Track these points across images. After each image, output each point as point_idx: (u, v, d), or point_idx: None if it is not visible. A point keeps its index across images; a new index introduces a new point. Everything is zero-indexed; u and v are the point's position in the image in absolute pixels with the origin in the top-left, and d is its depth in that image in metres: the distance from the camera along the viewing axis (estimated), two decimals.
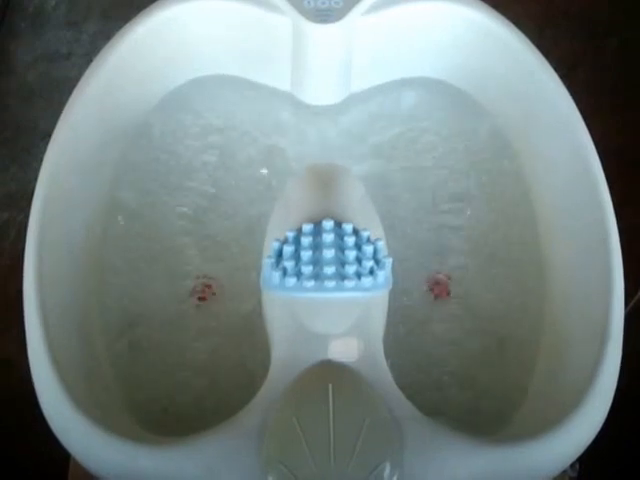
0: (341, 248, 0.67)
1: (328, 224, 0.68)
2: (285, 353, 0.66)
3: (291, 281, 0.65)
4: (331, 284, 0.65)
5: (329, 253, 0.66)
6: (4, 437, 1.07)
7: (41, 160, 0.76)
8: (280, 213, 0.76)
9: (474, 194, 0.91)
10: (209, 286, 0.85)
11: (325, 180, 0.75)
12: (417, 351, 0.81)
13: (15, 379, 0.88)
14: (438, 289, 0.85)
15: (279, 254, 0.67)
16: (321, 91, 0.94)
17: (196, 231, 0.88)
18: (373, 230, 0.70)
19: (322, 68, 0.92)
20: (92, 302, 0.79)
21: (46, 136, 0.78)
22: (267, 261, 0.66)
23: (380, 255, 0.67)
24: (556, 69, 0.85)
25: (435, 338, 0.82)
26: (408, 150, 0.94)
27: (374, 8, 0.87)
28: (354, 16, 0.86)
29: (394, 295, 0.76)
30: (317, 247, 0.67)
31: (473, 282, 0.85)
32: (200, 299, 0.84)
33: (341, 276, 0.65)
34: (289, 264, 0.65)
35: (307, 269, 0.65)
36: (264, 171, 0.93)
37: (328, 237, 0.67)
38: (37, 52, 1.46)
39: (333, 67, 0.92)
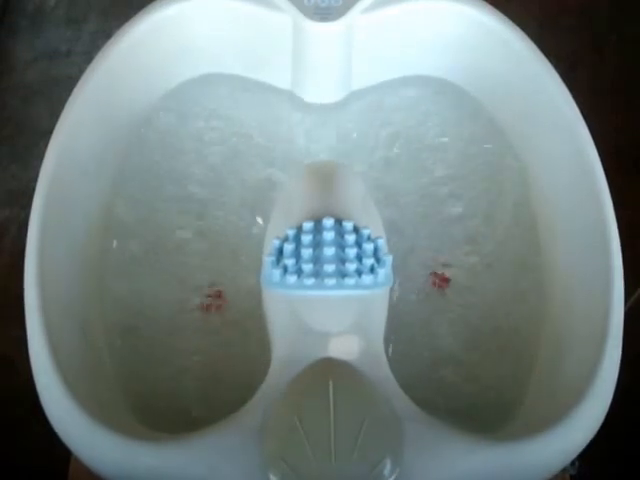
0: (341, 246, 0.67)
1: (328, 222, 0.68)
2: (286, 351, 0.66)
3: (291, 279, 0.65)
4: (331, 282, 0.65)
5: (329, 251, 0.66)
6: (5, 435, 1.07)
7: (41, 158, 0.76)
8: (280, 211, 0.76)
9: (474, 192, 0.91)
10: (209, 284, 0.85)
11: (325, 178, 0.75)
12: (417, 348, 0.81)
13: (16, 377, 0.88)
14: (438, 287, 0.85)
15: (279, 252, 0.67)
16: (321, 89, 0.94)
17: (196, 229, 0.88)
18: (373, 228, 0.70)
19: (322, 66, 0.92)
20: (93, 300, 0.80)
21: (46, 134, 0.78)
22: (267, 259, 0.66)
23: (380, 253, 0.67)
24: (556, 68, 0.85)
25: (435, 336, 0.82)
26: (408, 148, 0.94)
27: (374, 6, 0.88)
28: (354, 14, 0.86)
29: (394, 293, 0.76)
30: (317, 245, 0.67)
31: (473, 280, 0.85)
32: (200, 297, 0.84)
33: (341, 274, 0.65)
34: (289, 262, 0.65)
35: (307, 267, 0.65)
36: (264, 169, 0.92)
37: (328, 235, 0.67)
38: (37, 50, 1.46)
39: (333, 65, 0.92)
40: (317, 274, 0.65)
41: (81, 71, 0.84)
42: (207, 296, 0.84)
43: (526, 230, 0.87)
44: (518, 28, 0.88)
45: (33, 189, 0.74)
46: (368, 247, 0.66)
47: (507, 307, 0.83)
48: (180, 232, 0.88)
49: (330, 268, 0.65)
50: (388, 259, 0.66)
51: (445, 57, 0.94)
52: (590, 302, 0.72)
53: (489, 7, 0.89)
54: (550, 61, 0.85)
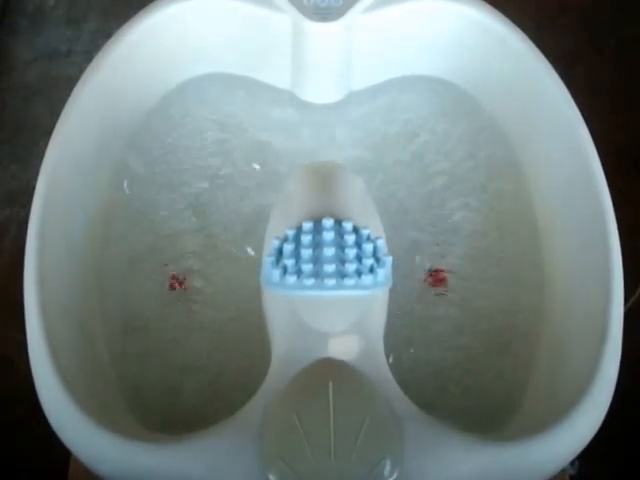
0: (341, 246, 0.67)
1: (328, 222, 0.68)
2: (285, 351, 0.66)
3: (291, 279, 0.65)
4: (331, 282, 0.65)
5: (329, 251, 0.66)
6: (5, 435, 1.07)
7: (41, 158, 0.76)
8: (280, 211, 0.76)
9: (473, 192, 0.91)
10: (210, 284, 0.85)
11: (325, 178, 0.75)
12: (417, 349, 0.81)
13: (16, 377, 0.88)
14: (438, 287, 0.85)
15: (279, 252, 0.67)
16: (321, 89, 0.94)
17: (196, 228, 0.88)
18: (373, 228, 0.70)
19: (322, 66, 0.92)
20: (92, 300, 0.80)
21: (46, 134, 0.78)
22: (267, 259, 0.66)
23: (380, 253, 0.67)
24: (555, 67, 0.85)
25: (435, 335, 0.82)
26: (407, 148, 0.94)
27: (373, 6, 0.88)
28: (353, 14, 0.86)
29: (394, 293, 0.76)
30: (317, 245, 0.67)
31: (472, 280, 0.85)
32: (200, 297, 0.84)
33: (341, 274, 0.65)
34: (289, 262, 0.65)
35: (307, 267, 0.65)
36: (264, 169, 0.93)
37: (328, 235, 0.67)
38: (37, 50, 1.46)
39: (333, 65, 0.92)
40: (317, 274, 0.65)
41: (81, 71, 0.84)
42: (208, 296, 0.84)
43: (526, 229, 0.87)
44: (517, 28, 0.88)
45: (33, 189, 0.74)
46: (368, 247, 0.66)
47: (506, 307, 0.83)
48: (180, 231, 0.88)
49: (330, 268, 0.65)
50: (388, 259, 0.66)
51: (444, 57, 0.95)
52: (590, 303, 0.72)
53: (488, 7, 0.89)
54: (549, 60, 0.85)
